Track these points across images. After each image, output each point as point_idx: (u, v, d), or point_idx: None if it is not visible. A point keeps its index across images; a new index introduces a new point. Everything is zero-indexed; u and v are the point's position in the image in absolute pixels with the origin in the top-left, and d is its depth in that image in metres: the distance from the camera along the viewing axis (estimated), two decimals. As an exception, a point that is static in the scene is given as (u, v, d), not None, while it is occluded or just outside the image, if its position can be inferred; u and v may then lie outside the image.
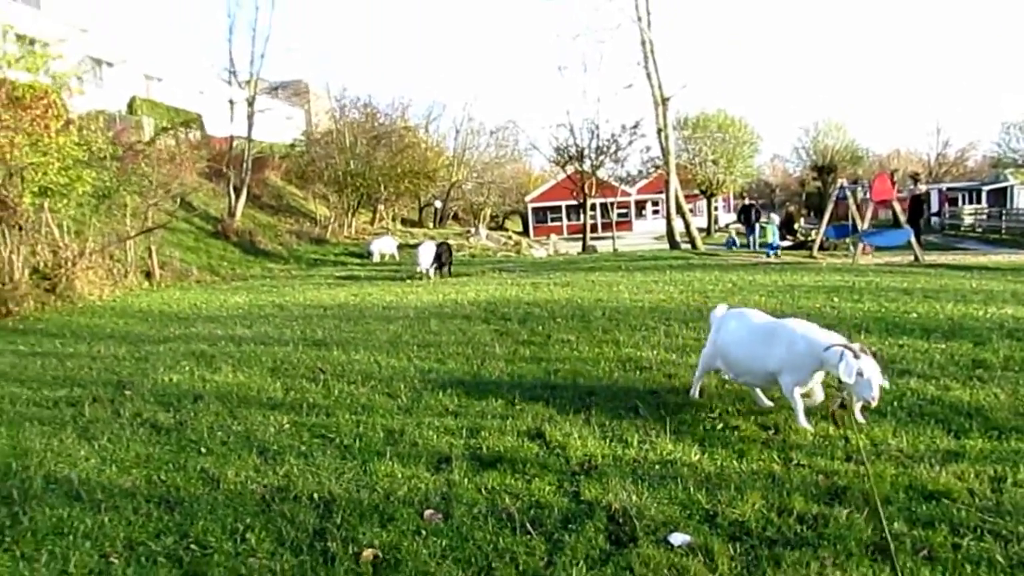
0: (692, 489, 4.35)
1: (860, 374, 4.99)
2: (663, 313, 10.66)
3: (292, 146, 38.47)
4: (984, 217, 40.96)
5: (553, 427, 5.55)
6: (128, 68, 35.10)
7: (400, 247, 27.51)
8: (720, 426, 5.55)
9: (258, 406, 6.50)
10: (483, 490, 4.46)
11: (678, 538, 3.80)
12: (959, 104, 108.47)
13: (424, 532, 3.94)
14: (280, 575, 3.54)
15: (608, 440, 5.27)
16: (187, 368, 8.11)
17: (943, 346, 7.97)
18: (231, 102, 28.48)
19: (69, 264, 14.63)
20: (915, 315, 10.01)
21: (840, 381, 5.13)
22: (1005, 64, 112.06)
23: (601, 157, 36.51)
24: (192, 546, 3.87)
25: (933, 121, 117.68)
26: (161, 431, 5.88)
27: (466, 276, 19.35)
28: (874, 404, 5.17)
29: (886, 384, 5.26)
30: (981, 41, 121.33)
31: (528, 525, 3.97)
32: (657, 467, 4.74)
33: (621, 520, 4.01)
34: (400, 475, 4.75)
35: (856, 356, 5.03)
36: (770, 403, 5.96)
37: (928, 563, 3.51)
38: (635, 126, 36.61)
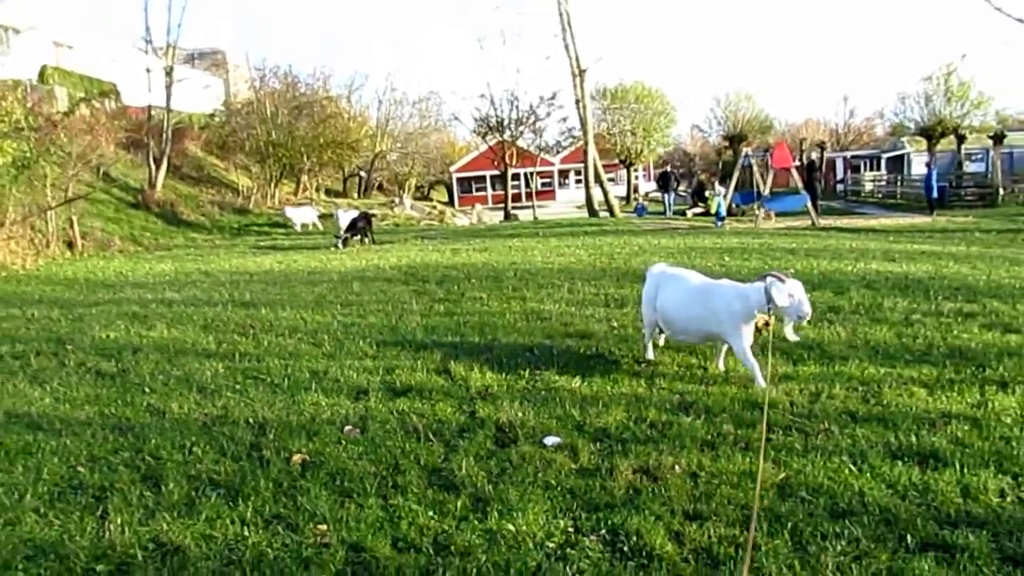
0: (568, 407, 5.28)
1: (791, 295, 5.39)
2: (570, 273, 11.60)
3: (212, 116, 38.10)
4: (883, 183, 43.37)
5: (458, 364, 6.41)
6: (36, 35, 34.11)
7: (323, 217, 27.90)
8: (603, 361, 6.50)
9: (194, 355, 7.18)
10: (394, 412, 5.30)
11: (551, 440, 4.72)
12: (865, 74, 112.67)
13: (344, 442, 4.77)
14: (224, 476, 4.32)
15: (504, 374, 6.16)
16: (122, 326, 8.68)
17: (808, 295, 9.09)
18: (148, 71, 28.18)
19: (-10, 234, 14.77)
20: (792, 271, 11.09)
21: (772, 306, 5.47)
22: (906, 34, 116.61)
23: (520, 128, 37.31)
24: (147, 458, 4.61)
25: (841, 91, 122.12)
26: (106, 377, 6.53)
27: (389, 244, 20.01)
28: (806, 320, 5.67)
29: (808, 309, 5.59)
30: (885, 10, 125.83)
31: (430, 435, 4.84)
32: (542, 392, 5.66)
33: (507, 430, 4.91)
34: (324, 403, 5.56)
35: (782, 281, 5.44)
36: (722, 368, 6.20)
37: (744, 451, 4.49)
38: (552, 97, 37.53)
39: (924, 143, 41.26)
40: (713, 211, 26.97)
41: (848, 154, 53.80)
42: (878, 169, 47.81)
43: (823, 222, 24.26)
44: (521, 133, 37.74)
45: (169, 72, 27.94)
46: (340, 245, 18.67)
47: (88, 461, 4.60)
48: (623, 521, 3.66)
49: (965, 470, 4.11)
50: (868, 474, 4.11)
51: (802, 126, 66.82)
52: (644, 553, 3.40)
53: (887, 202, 37.78)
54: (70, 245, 18.14)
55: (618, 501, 3.89)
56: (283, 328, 8.32)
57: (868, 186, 44.15)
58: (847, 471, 4.15)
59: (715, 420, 4.98)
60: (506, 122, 36.94)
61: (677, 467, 4.27)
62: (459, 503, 3.90)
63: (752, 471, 4.15)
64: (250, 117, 34.29)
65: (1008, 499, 3.82)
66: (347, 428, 5.02)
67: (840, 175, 49.64)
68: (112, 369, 6.77)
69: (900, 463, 4.24)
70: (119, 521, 3.78)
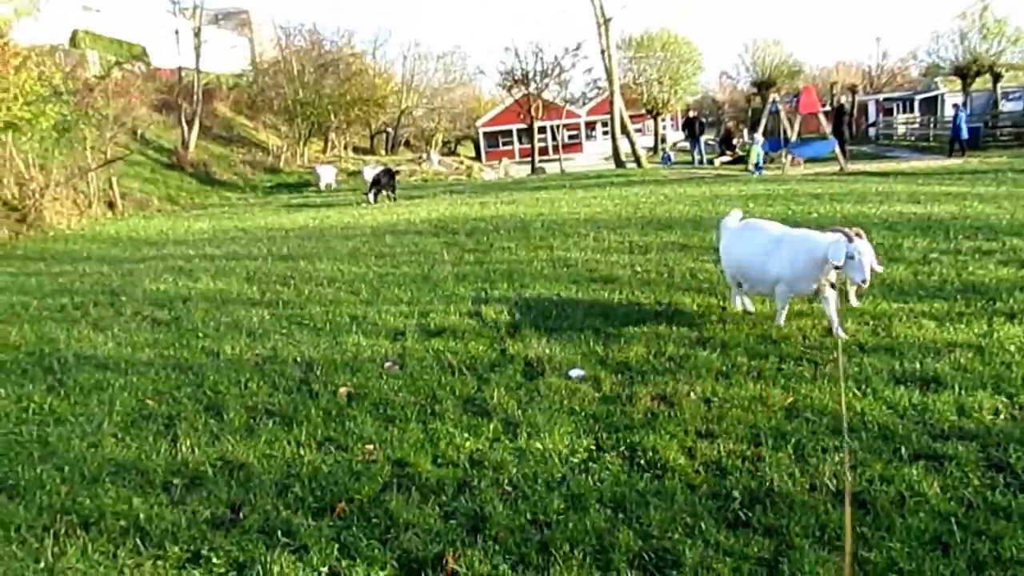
0: (592, 343, 5.63)
1: (851, 257, 5.04)
2: (595, 223, 11.86)
3: (240, 76, 38.40)
4: (916, 126, 42.59)
5: (488, 308, 6.79)
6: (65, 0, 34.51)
7: (353, 174, 28.27)
8: (626, 303, 6.83)
9: (240, 304, 7.63)
10: (430, 350, 5.70)
11: (576, 372, 5.08)
12: (899, 13, 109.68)
13: (384, 377, 5.18)
14: (278, 406, 4.75)
15: (532, 315, 6.52)
16: (170, 279, 9.15)
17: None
18: (176, 33, 28.52)
19: (37, 196, 15.33)
20: (815, 215, 11.35)
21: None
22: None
23: (545, 80, 37.18)
24: (207, 392, 5.07)
25: (874, 31, 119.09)
26: (161, 324, 7.00)
27: (419, 199, 20.33)
28: (865, 286, 5.37)
29: (879, 269, 5.39)
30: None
31: (464, 369, 5.23)
32: (568, 332, 6.01)
33: (535, 364, 5.28)
34: (364, 344, 5.97)
35: (850, 240, 5.11)
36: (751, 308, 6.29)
37: (756, 379, 4.82)
38: (577, 48, 37.31)
39: (959, 83, 40.36)
40: (752, 161, 26.71)
41: (880, 97, 52.71)
42: (911, 112, 46.88)
43: (852, 167, 24.11)
44: (546, 85, 37.64)
45: (197, 33, 28.22)
46: (372, 200, 19.05)
47: (155, 395, 5.06)
48: (641, 440, 4.03)
49: (963, 392, 4.40)
50: (871, 397, 4.43)
51: (833, 69, 65.59)
52: (659, 466, 3.77)
53: (920, 145, 37.13)
54: (111, 205, 18.70)
55: (637, 423, 4.25)
56: (322, 278, 8.73)
57: (900, 129, 43.35)
58: (851, 394, 4.46)
59: (730, 353, 5.31)
60: (531, 74, 36.85)
61: (692, 394, 4.62)
62: (491, 426, 4.29)
63: (763, 397, 4.49)
64: (277, 76, 34.56)
65: (1001, 416, 4.12)
66: (387, 364, 5.42)
67: (872, 118, 48.78)
68: (166, 317, 7.24)
69: (902, 387, 4.54)
70: (188, 444, 4.23)
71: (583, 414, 4.41)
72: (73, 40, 31.21)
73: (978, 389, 4.43)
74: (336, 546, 3.19)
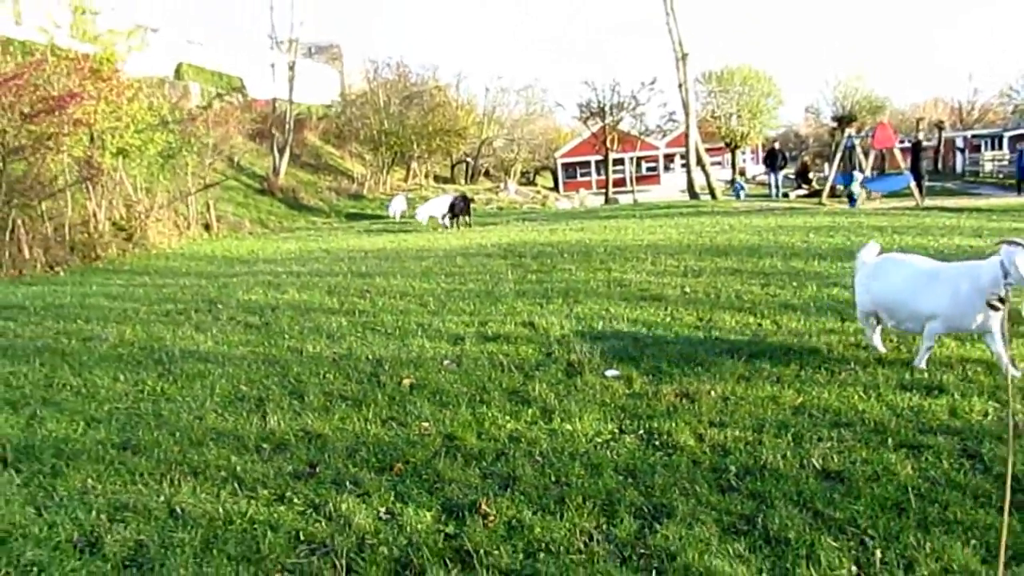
0: (630, 349, 6.26)
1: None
2: (656, 248, 12.44)
3: (329, 107, 40.33)
4: (1005, 163, 41.60)
5: (541, 319, 7.48)
6: (170, 34, 37.01)
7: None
8: (669, 320, 7.40)
9: (321, 312, 8.51)
10: (484, 352, 6.41)
11: (611, 372, 5.71)
12: (994, 50, 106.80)
13: (443, 372, 5.92)
14: (351, 392, 5.53)
15: (580, 325, 7.18)
16: (260, 291, 10.13)
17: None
18: (272, 66, 30.36)
19: (142, 217, 16.77)
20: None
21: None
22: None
23: (621, 113, 37.89)
24: (291, 380, 5.89)
25: (967, 69, 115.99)
26: (252, 327, 7.91)
27: (492, 225, 21.22)
28: None
29: None
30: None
31: (512, 367, 5.92)
32: (611, 339, 6.64)
33: (576, 365, 5.93)
34: (428, 346, 6.73)
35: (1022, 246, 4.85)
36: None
37: (773, 383, 5.35)
38: (652, 82, 37.93)
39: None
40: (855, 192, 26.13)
41: (968, 133, 51.65)
42: (1000, 148, 45.81)
43: (930, 202, 24.00)
44: (621, 118, 38.34)
45: (292, 66, 29.98)
46: (447, 224, 20.05)
47: (248, 382, 5.91)
48: (659, 426, 4.63)
49: (961, 397, 4.86)
50: (874, 399, 4.93)
51: (925, 105, 64.47)
52: (671, 446, 4.37)
53: (1007, 183, 36.36)
54: (207, 227, 20.15)
55: (658, 414, 4.86)
56: (395, 293, 9.56)
57: (988, 166, 42.48)
58: (856, 397, 4.97)
59: (754, 362, 5.84)
60: (607, 107, 37.62)
61: (712, 392, 5.19)
62: (530, 412, 4.96)
63: (776, 397, 5.03)
64: (364, 107, 36.21)
65: (989, 417, 4.57)
66: (446, 362, 6.16)
67: (960, 155, 47.83)
68: (256, 322, 8.16)
69: (907, 393, 5.02)
70: (275, 419, 5.02)
71: (612, 405, 5.04)
72: (178, 72, 33.50)
73: (974, 396, 4.87)
74: (393, 494, 3.90)
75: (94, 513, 3.81)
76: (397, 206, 27.35)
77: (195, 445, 4.68)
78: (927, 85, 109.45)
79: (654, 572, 3.15)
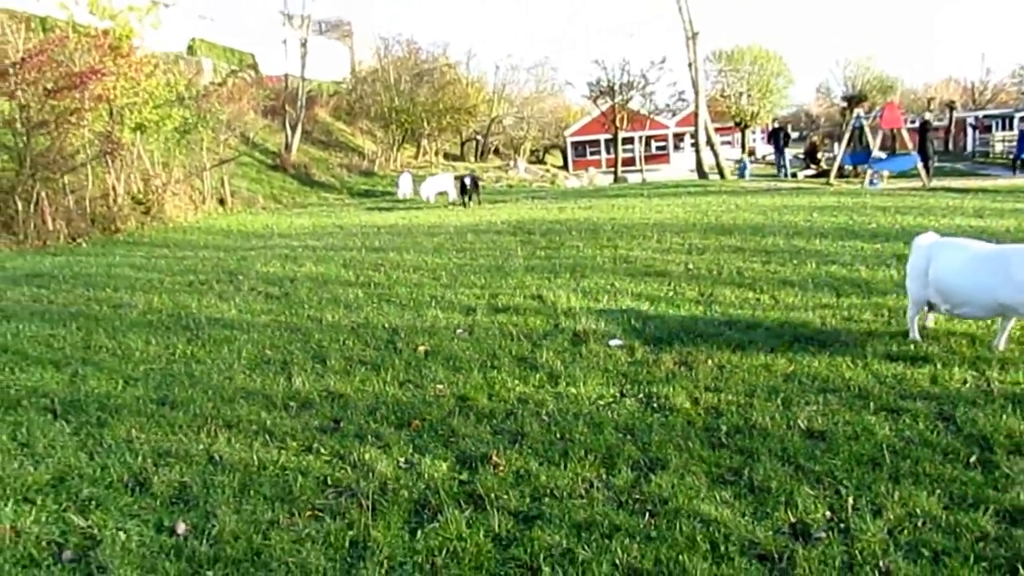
0: (633, 321, 6.59)
1: None
2: (662, 227, 12.73)
3: (340, 84, 40.53)
4: (1015, 143, 41.51)
5: (549, 292, 7.82)
6: (182, 8, 37.13)
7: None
8: (671, 295, 7.73)
9: (338, 284, 8.88)
10: (495, 323, 6.76)
11: (615, 341, 6.05)
12: (1007, 29, 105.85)
13: (456, 340, 6.27)
14: (369, 357, 5.90)
15: (586, 299, 7.52)
16: (278, 264, 10.50)
17: (877, 246, 9.98)
18: (284, 43, 30.57)
19: (159, 191, 17.13)
20: (874, 225, 11.97)
21: None
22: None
23: (630, 92, 38.05)
24: (313, 346, 6.27)
25: (980, 49, 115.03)
26: (272, 297, 8.29)
27: (502, 203, 21.51)
28: None
29: None
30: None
31: (521, 336, 6.27)
32: (615, 312, 6.98)
33: (581, 335, 6.28)
34: (441, 316, 7.09)
35: None
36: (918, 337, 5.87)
37: (767, 352, 5.67)
38: (662, 61, 38.11)
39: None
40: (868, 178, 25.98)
41: (980, 114, 51.46)
42: (1010, 129, 45.68)
43: (938, 183, 24.12)
44: (631, 97, 38.50)
45: (304, 43, 30.17)
46: (461, 201, 20.41)
47: (272, 347, 6.28)
48: (658, 390, 4.98)
49: (943, 367, 5.18)
50: (860, 368, 5.25)
51: (937, 85, 64.15)
52: (668, 408, 4.71)
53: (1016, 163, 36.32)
54: (222, 202, 20.53)
55: (657, 379, 5.20)
56: (408, 267, 9.90)
57: (998, 147, 42.41)
58: (845, 366, 5.29)
59: (752, 333, 6.17)
60: (616, 86, 37.76)
61: (709, 361, 5.52)
62: (538, 376, 5.31)
63: (768, 365, 5.36)
64: (375, 84, 36.44)
65: (967, 385, 4.89)
66: (459, 331, 6.51)
67: (970, 135, 47.72)
68: (277, 292, 8.52)
69: (893, 363, 5.34)
70: (300, 380, 5.39)
71: (614, 372, 5.38)
72: (190, 48, 33.70)
73: (956, 366, 5.19)
74: (411, 446, 4.26)
75: (140, 458, 4.19)
76: (405, 186, 27.53)
77: (227, 402, 5.05)
78: (940, 65, 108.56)
79: (647, 515, 3.50)
